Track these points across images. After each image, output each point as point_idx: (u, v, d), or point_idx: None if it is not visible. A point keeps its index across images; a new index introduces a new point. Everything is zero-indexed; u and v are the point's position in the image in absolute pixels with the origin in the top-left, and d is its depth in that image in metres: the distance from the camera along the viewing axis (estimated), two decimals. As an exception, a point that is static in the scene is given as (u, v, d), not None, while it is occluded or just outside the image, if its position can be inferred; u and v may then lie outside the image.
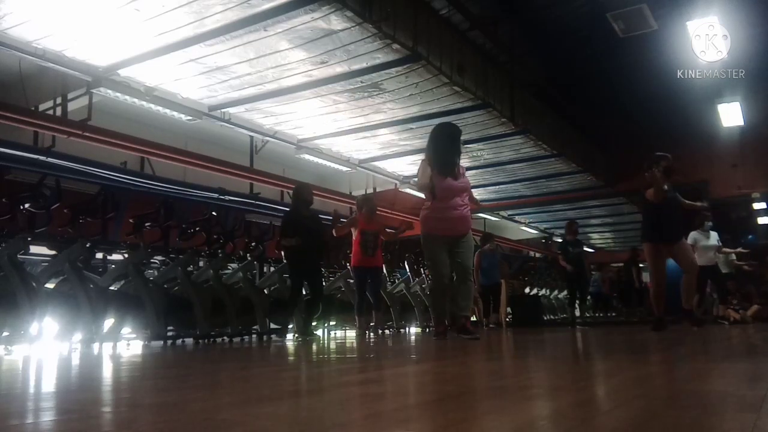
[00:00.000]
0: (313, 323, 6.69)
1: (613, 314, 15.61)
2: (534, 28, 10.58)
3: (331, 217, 6.70)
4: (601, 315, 15.04)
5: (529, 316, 10.63)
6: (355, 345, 5.50)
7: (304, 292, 6.64)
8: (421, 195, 5.39)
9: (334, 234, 6.77)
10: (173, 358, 4.12)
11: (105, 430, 1.27)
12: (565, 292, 10.89)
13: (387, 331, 8.48)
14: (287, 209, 7.33)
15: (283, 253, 6.68)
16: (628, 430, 1.11)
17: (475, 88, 8.33)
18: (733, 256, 9.87)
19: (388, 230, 7.59)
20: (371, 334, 7.12)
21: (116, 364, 3.53)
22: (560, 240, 10.72)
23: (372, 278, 6.94)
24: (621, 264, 17.11)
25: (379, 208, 12.55)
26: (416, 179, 5.07)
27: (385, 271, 8.45)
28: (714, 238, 8.66)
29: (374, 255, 6.84)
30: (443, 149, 4.91)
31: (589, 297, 11.05)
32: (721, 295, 9.29)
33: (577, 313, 10.00)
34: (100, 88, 7.15)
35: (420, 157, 10.91)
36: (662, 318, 6.06)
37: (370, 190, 13.34)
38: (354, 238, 6.84)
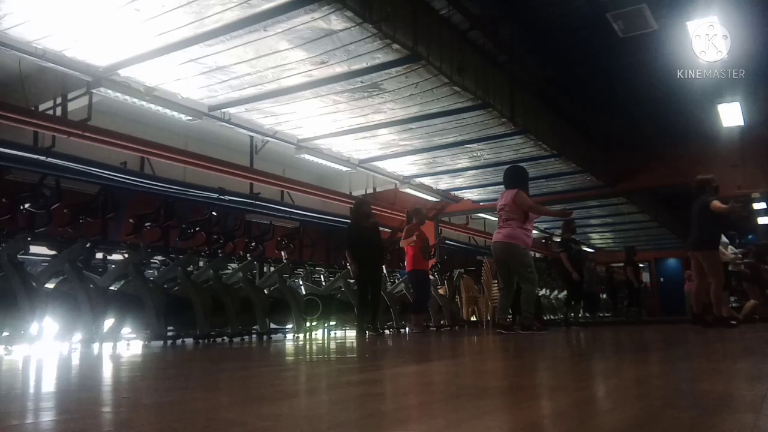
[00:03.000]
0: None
1: (608, 315, 15.60)
2: (534, 28, 10.57)
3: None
4: (589, 315, 15.05)
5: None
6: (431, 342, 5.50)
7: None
8: (423, 195, 6.41)
9: (402, 245, 8.10)
10: (173, 358, 4.12)
11: (105, 430, 1.27)
12: (565, 292, 10.82)
13: (387, 331, 8.49)
14: (348, 222, 8.23)
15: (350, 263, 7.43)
16: (628, 430, 1.11)
17: (475, 88, 8.32)
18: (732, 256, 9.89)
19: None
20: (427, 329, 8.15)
21: (116, 364, 3.53)
22: (558, 239, 10.58)
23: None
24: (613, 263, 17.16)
25: (379, 209, 12.62)
26: (529, 204, 6.29)
27: (385, 271, 8.66)
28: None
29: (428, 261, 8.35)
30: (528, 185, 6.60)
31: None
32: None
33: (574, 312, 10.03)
34: (100, 88, 7.14)
35: (420, 157, 11.04)
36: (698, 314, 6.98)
37: (370, 190, 13.35)
38: (413, 245, 7.95)
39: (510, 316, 6.50)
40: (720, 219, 6.94)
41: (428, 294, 8.48)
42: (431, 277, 9.84)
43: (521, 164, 11.60)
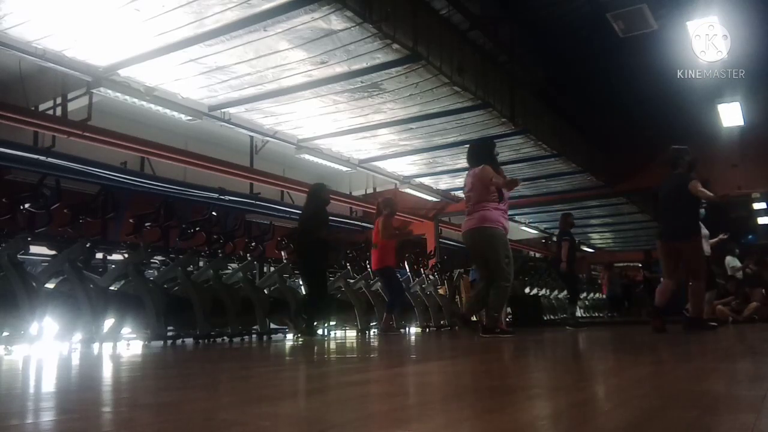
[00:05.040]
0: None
1: (614, 315, 15.61)
2: (534, 28, 10.58)
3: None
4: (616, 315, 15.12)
5: (529, 316, 10.63)
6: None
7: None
8: (423, 195, 5.95)
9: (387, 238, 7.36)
10: (173, 358, 4.12)
11: (105, 430, 1.27)
12: (565, 292, 10.70)
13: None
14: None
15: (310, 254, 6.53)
16: (628, 430, 1.11)
17: (475, 88, 8.32)
18: (735, 263, 9.98)
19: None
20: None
21: (116, 364, 3.53)
22: (558, 231, 9.95)
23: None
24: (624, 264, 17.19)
25: (408, 215, 12.61)
26: (488, 178, 5.20)
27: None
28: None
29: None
30: (496, 157, 5.60)
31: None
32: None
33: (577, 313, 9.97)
34: (100, 88, 7.14)
35: (420, 156, 11.04)
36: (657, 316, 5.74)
37: (370, 190, 13.35)
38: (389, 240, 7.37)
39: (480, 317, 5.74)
40: (699, 205, 5.75)
41: (402, 290, 7.76)
42: (431, 276, 9.83)
43: (517, 162, 11.63)
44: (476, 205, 5.22)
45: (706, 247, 6.91)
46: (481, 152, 5.50)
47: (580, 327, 8.60)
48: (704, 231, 6.92)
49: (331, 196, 7.37)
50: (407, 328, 8.93)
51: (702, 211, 5.90)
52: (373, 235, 7.59)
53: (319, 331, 7.28)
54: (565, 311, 10.06)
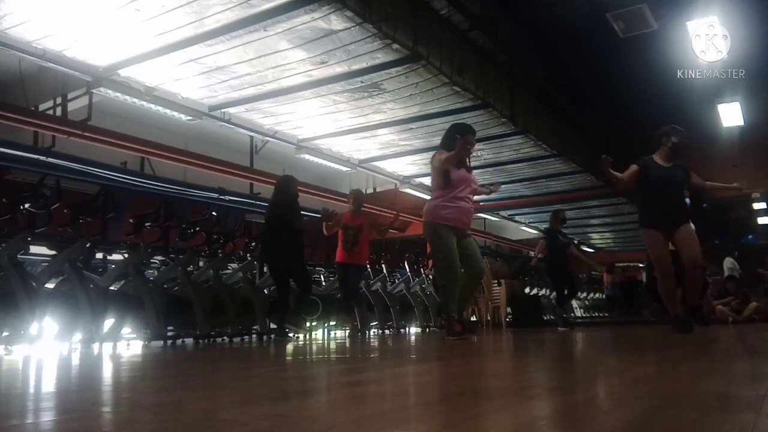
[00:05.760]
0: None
1: (606, 314, 15.63)
2: (534, 28, 10.58)
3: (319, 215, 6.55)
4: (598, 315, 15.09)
5: (530, 316, 10.63)
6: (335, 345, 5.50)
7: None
8: (422, 195, 5.37)
9: (325, 233, 6.68)
10: (173, 358, 4.12)
11: (105, 430, 1.27)
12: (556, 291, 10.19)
13: (387, 331, 8.48)
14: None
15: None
16: (628, 430, 1.11)
17: (475, 88, 8.33)
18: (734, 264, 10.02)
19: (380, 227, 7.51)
20: (356, 333, 7.05)
21: (116, 364, 3.53)
22: (544, 228, 9.58)
23: (352, 275, 6.90)
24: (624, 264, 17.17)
25: (379, 209, 12.59)
26: (432, 163, 4.77)
27: (369, 268, 8.30)
28: None
29: (353, 251, 6.79)
30: (457, 135, 4.80)
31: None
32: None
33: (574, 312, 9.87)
34: (100, 88, 7.15)
35: (420, 157, 11.03)
36: (681, 317, 5.10)
37: (370, 190, 13.35)
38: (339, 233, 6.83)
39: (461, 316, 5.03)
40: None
41: (343, 288, 7.01)
42: (431, 276, 9.79)
43: (517, 162, 11.58)
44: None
45: None
46: (442, 140, 4.97)
47: (570, 327, 8.42)
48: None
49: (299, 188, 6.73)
50: (407, 328, 8.93)
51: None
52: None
53: (309, 327, 7.14)
54: (554, 312, 9.74)
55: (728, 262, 10.41)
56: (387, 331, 8.48)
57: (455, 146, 4.61)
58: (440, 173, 4.66)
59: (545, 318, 11.57)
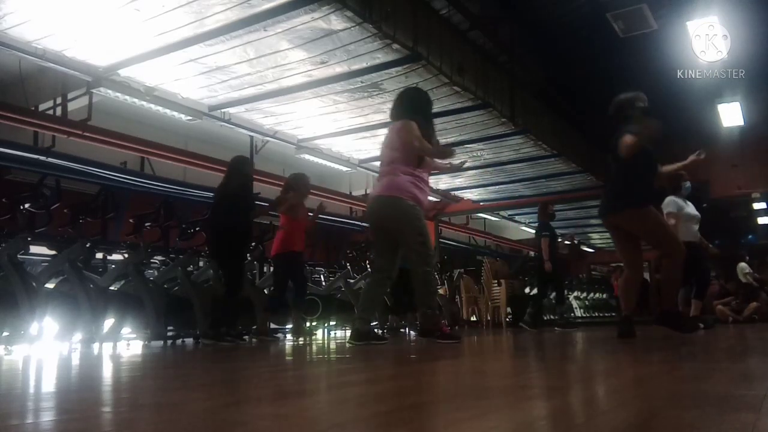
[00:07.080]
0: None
1: (598, 315, 15.60)
2: (534, 28, 10.58)
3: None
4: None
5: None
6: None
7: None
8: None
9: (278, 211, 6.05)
10: (173, 358, 4.11)
11: (105, 430, 1.27)
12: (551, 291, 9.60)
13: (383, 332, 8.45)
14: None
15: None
16: (628, 430, 1.11)
17: (475, 88, 8.33)
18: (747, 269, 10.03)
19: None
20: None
21: (116, 364, 3.53)
22: (538, 224, 8.97)
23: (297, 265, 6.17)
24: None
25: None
26: (407, 138, 4.06)
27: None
28: (692, 206, 6.30)
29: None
30: (431, 116, 4.40)
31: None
32: (700, 288, 6.46)
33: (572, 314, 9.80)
34: (100, 88, 7.15)
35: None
36: (629, 317, 4.48)
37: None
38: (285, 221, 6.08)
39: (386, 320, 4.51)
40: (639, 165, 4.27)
41: (283, 285, 6.08)
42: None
43: (517, 162, 11.55)
44: (387, 166, 4.15)
45: (678, 222, 5.86)
46: (411, 104, 4.29)
47: (570, 327, 8.38)
48: (677, 201, 6.01)
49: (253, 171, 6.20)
50: (406, 329, 8.91)
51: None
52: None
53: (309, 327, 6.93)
54: (553, 311, 9.56)
55: (743, 268, 10.32)
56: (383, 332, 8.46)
57: (431, 123, 4.27)
58: (412, 149, 4.06)
59: (546, 318, 11.57)
